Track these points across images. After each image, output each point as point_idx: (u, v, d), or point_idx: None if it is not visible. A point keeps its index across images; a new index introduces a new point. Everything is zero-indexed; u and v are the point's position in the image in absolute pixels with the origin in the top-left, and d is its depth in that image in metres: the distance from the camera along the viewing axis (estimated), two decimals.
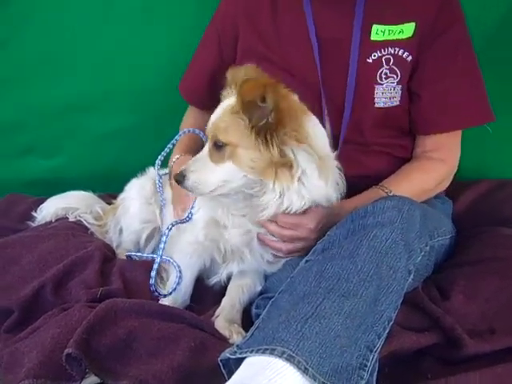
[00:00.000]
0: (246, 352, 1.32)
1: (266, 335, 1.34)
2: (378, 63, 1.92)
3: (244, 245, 1.83)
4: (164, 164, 2.22)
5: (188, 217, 1.93)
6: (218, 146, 1.67)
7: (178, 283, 1.88)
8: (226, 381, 1.44)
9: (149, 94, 2.79)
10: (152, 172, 2.35)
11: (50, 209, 2.41)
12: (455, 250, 2.06)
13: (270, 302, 1.48)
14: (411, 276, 1.53)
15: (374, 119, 1.98)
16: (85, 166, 2.91)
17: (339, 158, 1.83)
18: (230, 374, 1.40)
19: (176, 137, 2.14)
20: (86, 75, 2.78)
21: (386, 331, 1.42)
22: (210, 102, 2.04)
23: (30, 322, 1.78)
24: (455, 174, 2.12)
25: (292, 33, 2.02)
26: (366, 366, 1.35)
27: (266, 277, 1.89)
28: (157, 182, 2.17)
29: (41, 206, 2.47)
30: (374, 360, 1.37)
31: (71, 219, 2.36)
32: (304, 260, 1.56)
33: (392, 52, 1.91)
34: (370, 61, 1.93)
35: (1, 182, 2.90)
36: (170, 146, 2.14)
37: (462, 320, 1.69)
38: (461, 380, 1.53)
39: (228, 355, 1.37)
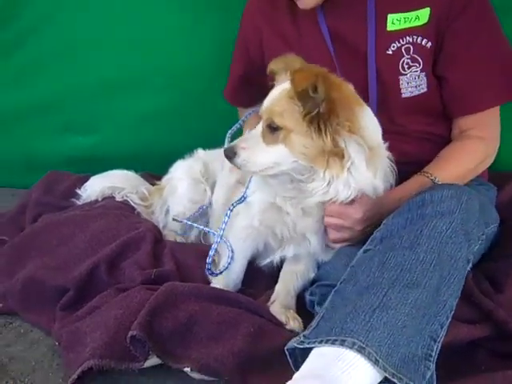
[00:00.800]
0: (314, 342, 1.35)
1: (333, 325, 1.36)
2: (398, 54, 1.91)
3: (308, 230, 1.83)
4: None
5: (244, 196, 1.93)
6: (272, 128, 1.67)
7: (230, 263, 1.90)
8: (287, 367, 1.48)
9: (187, 75, 2.81)
10: (201, 153, 2.37)
11: (95, 187, 2.43)
12: (500, 241, 2.05)
13: (333, 292, 1.49)
14: (470, 265, 1.55)
15: (404, 108, 1.97)
16: (122, 145, 2.94)
17: None
18: (296, 363, 1.43)
19: (246, 115, 2.18)
20: (124, 55, 2.81)
21: (449, 321, 1.43)
22: (251, 102, 2.16)
23: (84, 301, 1.83)
24: (499, 164, 2.11)
25: (309, 33, 2.02)
26: (431, 355, 1.37)
27: (319, 264, 1.90)
28: None
29: (85, 184, 2.48)
30: (438, 350, 1.39)
31: (118, 199, 2.38)
32: (362, 249, 1.57)
33: (410, 40, 1.89)
34: (390, 52, 1.91)
35: (40, 158, 2.95)
36: (240, 122, 2.16)
37: None
38: None
39: (295, 345, 1.39)
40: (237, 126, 2.14)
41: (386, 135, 1.85)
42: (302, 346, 1.37)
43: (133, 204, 2.36)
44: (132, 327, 1.54)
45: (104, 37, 2.77)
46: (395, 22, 1.89)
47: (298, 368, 1.39)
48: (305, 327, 1.71)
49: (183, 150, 2.44)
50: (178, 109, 2.87)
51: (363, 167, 1.70)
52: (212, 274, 1.90)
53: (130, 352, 1.55)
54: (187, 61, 2.79)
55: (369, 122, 1.72)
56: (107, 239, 1.98)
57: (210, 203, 2.21)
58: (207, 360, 1.54)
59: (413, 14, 1.88)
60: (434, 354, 1.37)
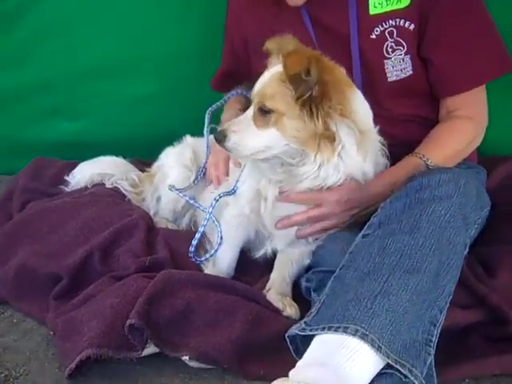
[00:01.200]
0: (316, 329, 1.35)
1: (335, 312, 1.36)
2: (381, 38, 1.90)
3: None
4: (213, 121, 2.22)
5: (234, 189, 1.93)
6: (264, 112, 1.65)
7: (217, 249, 1.89)
8: (285, 354, 1.48)
9: (176, 60, 2.76)
10: (190, 140, 2.34)
11: (84, 174, 2.40)
12: (492, 225, 2.06)
13: (333, 278, 1.49)
14: (467, 250, 1.55)
15: (390, 92, 1.97)
16: (110, 131, 2.88)
17: None
18: (297, 350, 1.43)
19: (228, 95, 2.19)
20: (113, 39, 2.75)
21: (447, 306, 1.45)
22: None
23: (78, 289, 1.82)
24: (486, 148, 2.13)
25: (290, 21, 1.99)
26: (431, 341, 1.38)
27: (314, 251, 1.90)
28: (205, 135, 2.17)
29: (74, 171, 2.45)
30: (438, 335, 1.40)
31: (108, 186, 2.35)
32: (361, 235, 1.57)
33: (393, 24, 1.89)
34: (374, 36, 1.91)
35: (27, 144, 2.89)
36: (222, 101, 2.16)
37: (508, 298, 1.71)
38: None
39: (296, 331, 1.39)
40: (217, 104, 2.15)
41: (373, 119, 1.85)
42: (303, 333, 1.37)
43: (123, 191, 2.34)
44: (130, 316, 1.53)
45: (93, 21, 2.71)
46: (377, 5, 1.88)
47: (298, 355, 1.40)
48: (301, 314, 1.72)
49: (171, 136, 2.41)
50: (167, 94, 2.83)
51: (353, 151, 1.68)
52: (196, 260, 1.90)
53: (127, 341, 1.53)
54: (176, 46, 2.75)
55: (360, 106, 1.71)
56: (99, 227, 1.96)
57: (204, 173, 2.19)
58: (205, 348, 1.54)
59: None
60: (434, 339, 1.38)
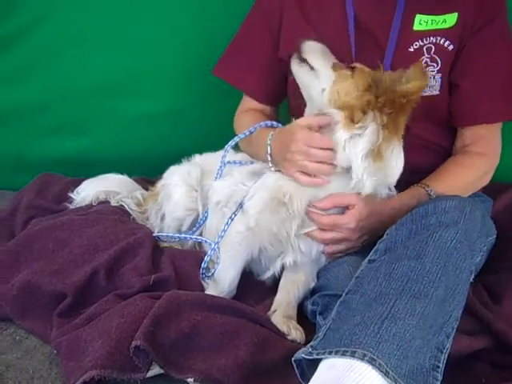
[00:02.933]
0: (323, 353, 1.34)
1: (342, 336, 1.35)
2: (418, 52, 1.93)
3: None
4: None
5: (241, 204, 1.92)
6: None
7: (217, 266, 1.90)
8: (290, 378, 1.48)
9: (178, 79, 2.79)
10: (198, 159, 2.33)
11: (89, 191, 2.40)
12: (496, 253, 2.07)
13: (339, 303, 1.48)
14: (472, 276, 1.56)
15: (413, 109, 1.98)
16: (114, 148, 2.89)
17: None
18: (303, 374, 1.42)
19: (253, 128, 2.03)
20: (115, 57, 2.77)
21: (454, 332, 1.44)
22: (272, 96, 2.14)
23: (82, 307, 1.80)
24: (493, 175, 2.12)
25: (333, 13, 2.01)
26: (438, 367, 1.37)
27: (320, 274, 1.90)
28: (220, 167, 2.11)
29: (78, 188, 2.45)
30: (445, 361, 1.39)
31: (113, 203, 2.35)
32: (367, 260, 1.57)
33: (433, 41, 1.92)
34: (412, 50, 1.93)
35: (31, 160, 2.90)
36: (247, 132, 2.03)
37: None
38: None
39: (303, 355, 1.38)
40: (240, 136, 2.05)
41: None
42: (310, 357, 1.36)
43: (128, 209, 2.33)
44: (135, 337, 1.52)
45: (96, 39, 2.73)
46: (422, 22, 1.91)
47: (305, 379, 1.40)
48: (306, 337, 1.72)
49: (176, 154, 2.40)
50: (171, 112, 2.84)
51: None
52: (206, 276, 1.91)
53: (132, 362, 1.52)
54: (180, 63, 2.77)
55: None
56: (105, 245, 1.95)
57: (206, 217, 2.16)
58: (210, 370, 1.52)
59: (441, 17, 1.90)
60: (441, 365, 1.38)
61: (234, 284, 1.92)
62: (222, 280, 1.89)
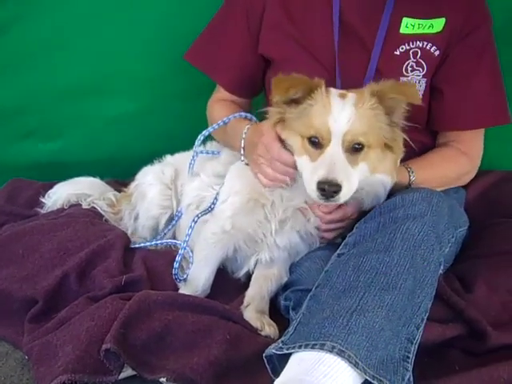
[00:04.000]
0: (293, 347, 1.34)
1: (311, 330, 1.36)
2: (404, 56, 1.93)
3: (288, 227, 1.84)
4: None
5: (211, 207, 1.92)
6: (356, 149, 1.62)
7: (190, 266, 1.90)
8: (264, 374, 1.47)
9: (150, 80, 2.75)
10: (170, 159, 2.33)
11: (61, 195, 2.38)
12: (468, 241, 2.09)
13: (309, 297, 1.49)
14: (441, 267, 1.57)
15: None
16: (86, 151, 2.86)
17: None
18: (274, 369, 1.42)
19: (227, 118, 2.01)
20: (87, 60, 2.72)
21: (424, 323, 1.46)
22: (243, 86, 2.13)
23: (54, 312, 1.79)
24: None
25: (317, 12, 1.99)
26: (408, 357, 1.39)
27: (292, 268, 1.90)
28: (192, 157, 2.12)
29: (49, 192, 2.42)
30: (415, 351, 1.41)
31: (84, 206, 2.33)
32: (336, 254, 1.58)
33: (420, 45, 1.92)
34: (398, 53, 1.93)
35: (3, 164, 2.85)
36: (220, 123, 2.02)
37: (485, 312, 1.73)
38: (492, 371, 1.56)
39: (274, 351, 1.38)
40: (214, 126, 2.03)
41: None
42: (280, 352, 1.36)
43: (100, 211, 2.32)
44: (105, 340, 1.51)
45: (68, 41, 2.69)
46: (409, 26, 1.91)
47: (276, 374, 1.39)
48: (279, 332, 1.71)
49: (148, 156, 2.40)
50: (142, 113, 2.81)
51: None
52: (179, 280, 1.89)
53: (103, 365, 1.51)
54: (152, 64, 2.74)
55: None
56: (75, 248, 1.94)
57: (178, 217, 2.16)
58: (183, 369, 1.52)
59: (427, 22, 1.90)
60: (411, 355, 1.39)
61: (209, 283, 1.91)
62: (196, 280, 1.89)
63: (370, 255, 1.46)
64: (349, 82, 1.92)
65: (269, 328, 1.72)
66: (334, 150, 1.60)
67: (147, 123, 2.83)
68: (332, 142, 1.60)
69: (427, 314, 1.47)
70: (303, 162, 1.66)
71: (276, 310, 1.85)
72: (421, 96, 1.93)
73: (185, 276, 1.89)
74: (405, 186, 1.84)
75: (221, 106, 2.21)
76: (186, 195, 2.12)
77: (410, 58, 1.93)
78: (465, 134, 2.00)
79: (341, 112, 1.60)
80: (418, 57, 1.92)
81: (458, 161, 2.01)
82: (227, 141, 2.07)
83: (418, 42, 1.92)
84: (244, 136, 1.88)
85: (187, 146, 2.30)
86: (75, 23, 2.67)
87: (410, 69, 1.93)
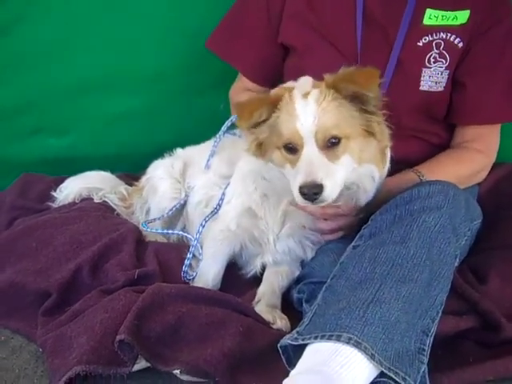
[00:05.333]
0: (309, 338, 1.34)
1: (327, 321, 1.35)
2: (428, 47, 1.92)
3: (286, 234, 1.85)
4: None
5: (216, 209, 1.94)
6: (332, 143, 1.59)
7: (200, 266, 1.91)
8: (277, 366, 1.47)
9: (157, 75, 2.74)
10: (180, 152, 2.33)
11: (72, 189, 2.38)
12: (482, 234, 2.08)
13: (324, 288, 1.49)
14: (457, 260, 1.56)
15: (415, 103, 1.98)
16: (96, 146, 2.85)
17: None
18: (289, 360, 1.42)
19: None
20: (95, 56, 2.72)
21: (439, 315, 1.45)
22: (264, 74, 2.11)
23: (67, 305, 1.79)
24: None
25: (340, 5, 1.99)
26: (424, 350, 1.38)
27: (304, 262, 1.90)
28: (215, 141, 2.06)
29: (61, 186, 2.43)
30: (430, 344, 1.40)
31: (96, 200, 2.33)
32: (351, 245, 1.57)
33: (444, 37, 1.91)
34: (421, 44, 1.92)
35: (12, 161, 2.85)
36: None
37: (499, 303, 1.72)
38: (507, 362, 1.56)
39: (289, 341, 1.38)
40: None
41: None
42: (296, 343, 1.36)
43: (112, 205, 2.32)
44: (119, 331, 1.51)
45: (77, 37, 2.68)
46: (432, 17, 1.90)
47: (291, 365, 1.40)
48: (291, 326, 1.71)
49: (158, 151, 2.40)
50: (152, 109, 2.81)
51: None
52: (187, 279, 1.90)
53: (117, 356, 1.51)
54: (161, 60, 2.73)
55: None
56: (88, 241, 1.94)
57: (185, 202, 2.17)
58: (197, 361, 1.52)
59: (451, 14, 1.89)
60: (426, 348, 1.39)
61: (218, 278, 1.92)
62: (206, 275, 1.89)
63: (386, 247, 1.45)
64: None
65: (280, 321, 1.72)
66: (309, 151, 1.57)
67: (154, 118, 2.82)
68: (305, 144, 1.58)
69: (442, 307, 1.46)
70: (287, 171, 1.64)
71: (288, 304, 1.85)
72: (442, 88, 1.94)
73: (194, 274, 1.90)
74: None
75: (243, 97, 2.14)
76: (196, 192, 2.13)
77: (432, 49, 1.92)
78: (483, 129, 1.99)
79: (305, 113, 1.58)
80: (441, 48, 1.91)
81: (472, 161, 2.01)
82: None
83: (441, 34, 1.91)
84: None
85: (194, 140, 2.33)
86: (81, 20, 2.66)
87: (432, 60, 1.92)
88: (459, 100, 1.98)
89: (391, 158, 1.75)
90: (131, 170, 2.74)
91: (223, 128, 2.04)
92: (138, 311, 1.56)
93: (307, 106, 1.58)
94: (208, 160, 2.07)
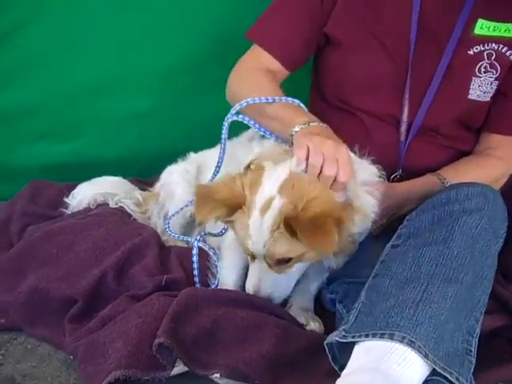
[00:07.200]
0: (359, 336, 1.33)
1: (376, 319, 1.34)
2: (479, 56, 1.91)
3: None
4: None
5: (221, 232, 1.91)
6: (283, 261, 1.63)
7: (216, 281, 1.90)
8: (315, 367, 1.47)
9: (165, 76, 2.72)
10: (193, 156, 2.31)
11: (85, 194, 2.34)
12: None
13: (367, 287, 1.47)
14: (495, 261, 1.56)
15: (460, 111, 1.97)
16: (103, 151, 2.82)
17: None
18: (335, 358, 1.42)
19: (271, 98, 1.82)
20: (104, 58, 2.70)
21: (482, 316, 1.44)
22: (294, 58, 2.05)
23: (93, 311, 1.76)
24: None
25: (397, 6, 1.95)
26: (471, 351, 1.37)
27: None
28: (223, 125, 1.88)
29: (73, 192, 2.39)
30: (476, 345, 1.40)
31: (112, 205, 2.30)
32: (390, 245, 1.56)
33: (495, 48, 1.90)
34: (471, 53, 1.91)
35: (19, 167, 2.81)
36: (257, 100, 1.81)
37: None
38: None
39: (337, 339, 1.37)
40: (256, 100, 1.82)
41: (418, 137, 1.93)
42: (344, 340, 1.35)
43: (128, 210, 2.29)
44: (158, 334, 1.49)
45: (83, 40, 2.65)
46: (484, 27, 1.89)
47: (336, 363, 1.40)
48: (325, 327, 1.71)
49: (165, 153, 2.39)
50: (158, 111, 2.78)
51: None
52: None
53: (155, 361, 1.49)
54: (169, 60, 2.70)
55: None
56: (111, 247, 1.91)
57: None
58: (236, 364, 1.50)
59: (504, 25, 1.88)
60: (473, 349, 1.38)
61: (239, 284, 1.88)
62: (226, 285, 1.87)
63: (428, 247, 1.44)
64: (418, 81, 1.93)
65: (314, 323, 1.72)
66: (259, 266, 1.64)
67: (163, 120, 2.79)
68: (256, 257, 1.64)
69: (485, 308, 1.46)
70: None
71: (319, 307, 1.84)
72: (489, 99, 1.95)
73: (216, 282, 1.88)
74: None
75: (262, 77, 2.00)
76: None
77: (484, 59, 1.91)
78: (509, 139, 2.00)
79: (257, 235, 1.58)
80: (492, 59, 1.91)
81: (493, 167, 2.00)
82: (263, 120, 1.87)
83: (493, 44, 1.90)
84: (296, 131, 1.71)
85: (207, 142, 2.29)
86: (88, 23, 2.64)
87: (483, 70, 1.92)
88: (497, 109, 1.99)
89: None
90: (140, 175, 2.72)
91: (223, 136, 1.90)
92: (173, 314, 1.54)
93: (261, 229, 1.57)
94: (216, 171, 1.97)
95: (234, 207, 1.61)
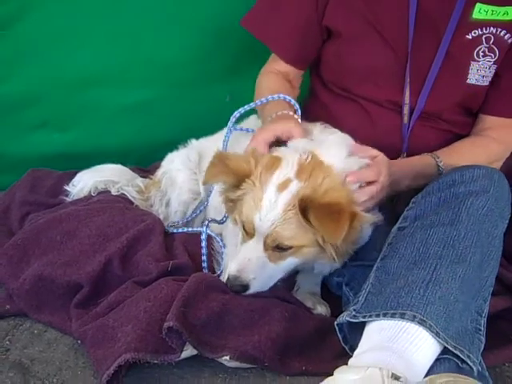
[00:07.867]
0: (369, 316, 1.34)
1: (386, 299, 1.36)
2: (477, 41, 1.92)
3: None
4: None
5: (223, 220, 1.91)
6: (281, 249, 1.58)
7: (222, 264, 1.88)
8: (324, 348, 1.49)
9: (165, 67, 2.72)
10: (195, 143, 2.30)
11: (87, 182, 2.33)
12: None
13: (376, 268, 1.49)
14: (502, 242, 1.57)
15: (460, 96, 1.98)
16: (101, 140, 2.81)
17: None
18: (345, 339, 1.44)
19: (267, 98, 1.91)
20: (102, 48, 2.68)
21: (490, 296, 1.46)
22: (300, 57, 2.07)
23: (99, 297, 1.77)
24: None
25: None
26: (480, 330, 1.40)
27: None
28: (226, 134, 1.93)
29: (74, 180, 2.38)
30: (485, 324, 1.42)
31: (113, 193, 2.29)
32: (397, 227, 1.58)
33: (493, 31, 1.90)
34: (470, 37, 1.92)
35: (16, 156, 2.80)
36: (252, 104, 1.92)
37: None
38: None
39: (348, 319, 1.38)
40: (246, 108, 1.92)
41: (420, 121, 1.94)
42: (355, 320, 1.36)
43: (130, 197, 2.28)
44: (167, 318, 1.49)
45: (82, 29, 2.63)
46: (482, 11, 1.89)
47: (347, 343, 1.43)
48: (332, 311, 1.71)
49: (163, 143, 2.39)
50: (157, 101, 2.77)
51: None
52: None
53: (165, 344, 1.49)
54: (168, 52, 2.69)
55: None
56: (115, 233, 1.90)
57: (206, 203, 2.13)
58: (245, 347, 1.51)
59: (502, 9, 1.88)
60: (482, 328, 1.40)
61: None
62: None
63: (435, 228, 1.45)
64: (418, 66, 1.94)
65: (320, 307, 1.73)
66: (254, 246, 1.58)
67: (162, 111, 2.79)
68: (255, 237, 1.57)
69: (492, 289, 1.48)
70: (239, 239, 1.67)
71: (325, 291, 1.85)
72: (487, 83, 1.96)
73: (221, 268, 1.87)
74: (434, 173, 1.85)
75: (269, 79, 2.13)
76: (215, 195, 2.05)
77: (482, 43, 1.91)
78: (505, 121, 2.00)
79: (268, 212, 1.53)
80: (490, 42, 1.91)
81: (487, 147, 2.01)
82: (262, 120, 2.01)
83: (491, 28, 1.90)
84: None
85: (205, 131, 2.31)
86: (87, 13, 2.62)
87: (481, 54, 1.92)
88: (491, 91, 1.99)
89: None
90: (139, 165, 2.71)
91: (229, 124, 1.93)
92: (184, 299, 1.55)
93: (274, 206, 1.53)
94: (224, 145, 1.96)
95: (239, 178, 1.59)
